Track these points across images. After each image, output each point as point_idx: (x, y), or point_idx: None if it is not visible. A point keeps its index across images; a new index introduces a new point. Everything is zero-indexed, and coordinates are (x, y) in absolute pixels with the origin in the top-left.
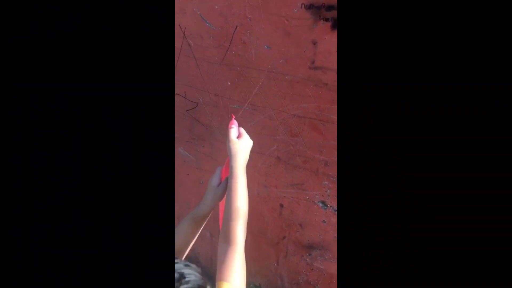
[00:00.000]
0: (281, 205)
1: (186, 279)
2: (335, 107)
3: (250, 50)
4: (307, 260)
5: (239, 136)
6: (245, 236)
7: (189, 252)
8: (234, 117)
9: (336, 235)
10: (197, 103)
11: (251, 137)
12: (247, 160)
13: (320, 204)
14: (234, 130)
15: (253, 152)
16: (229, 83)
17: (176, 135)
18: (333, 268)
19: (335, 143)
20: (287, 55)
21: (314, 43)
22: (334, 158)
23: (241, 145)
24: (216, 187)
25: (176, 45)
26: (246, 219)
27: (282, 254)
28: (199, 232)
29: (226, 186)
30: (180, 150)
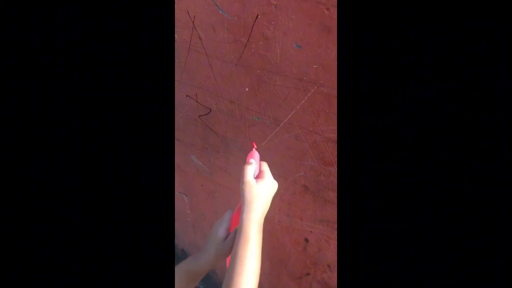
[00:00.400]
0: (306, 240)
1: None
2: None
3: (274, 48)
4: None
5: (258, 176)
6: None
7: None
8: (255, 147)
9: None
10: (210, 109)
11: (271, 157)
12: (266, 211)
13: None
14: (252, 167)
15: (274, 174)
16: (246, 89)
17: (188, 141)
18: None
19: None
20: (325, 58)
21: None
22: None
23: (260, 190)
24: (222, 241)
25: (185, 37)
26: None
27: None
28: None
29: (234, 241)
30: (193, 159)
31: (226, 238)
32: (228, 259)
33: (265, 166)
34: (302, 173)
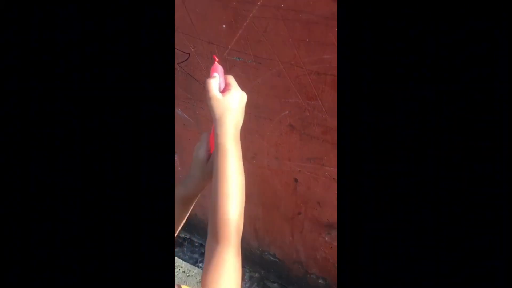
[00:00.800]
0: (296, 180)
1: None
2: None
3: None
4: (326, 238)
5: (225, 89)
6: (241, 232)
7: (179, 232)
8: (217, 60)
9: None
10: (189, 54)
11: (255, 99)
12: (240, 124)
13: None
14: (215, 81)
15: (259, 117)
16: (224, 26)
17: None
18: None
19: None
20: None
21: None
22: None
23: (228, 102)
24: (205, 163)
25: None
26: (242, 208)
27: (297, 229)
28: (189, 213)
29: None
30: (178, 112)
31: (208, 159)
32: None
33: (231, 79)
34: (287, 112)
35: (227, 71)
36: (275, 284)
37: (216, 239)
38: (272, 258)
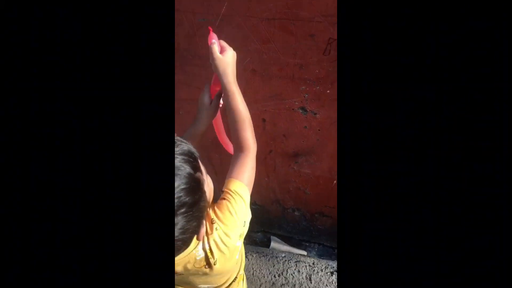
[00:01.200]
0: (264, 120)
1: (177, 144)
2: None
3: None
4: (295, 168)
5: (222, 50)
6: (255, 144)
7: None
8: (212, 30)
9: (318, 137)
10: None
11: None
12: (235, 73)
13: (300, 111)
14: (216, 45)
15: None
16: None
17: None
18: (318, 170)
19: (307, 42)
20: None
21: None
22: (308, 60)
23: (227, 60)
24: (209, 106)
25: None
26: (252, 126)
27: (271, 168)
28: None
29: (217, 103)
30: None
31: (210, 103)
32: (214, 121)
33: (223, 43)
34: (249, 58)
35: (195, 34)
36: (259, 233)
37: (240, 149)
38: (253, 206)
